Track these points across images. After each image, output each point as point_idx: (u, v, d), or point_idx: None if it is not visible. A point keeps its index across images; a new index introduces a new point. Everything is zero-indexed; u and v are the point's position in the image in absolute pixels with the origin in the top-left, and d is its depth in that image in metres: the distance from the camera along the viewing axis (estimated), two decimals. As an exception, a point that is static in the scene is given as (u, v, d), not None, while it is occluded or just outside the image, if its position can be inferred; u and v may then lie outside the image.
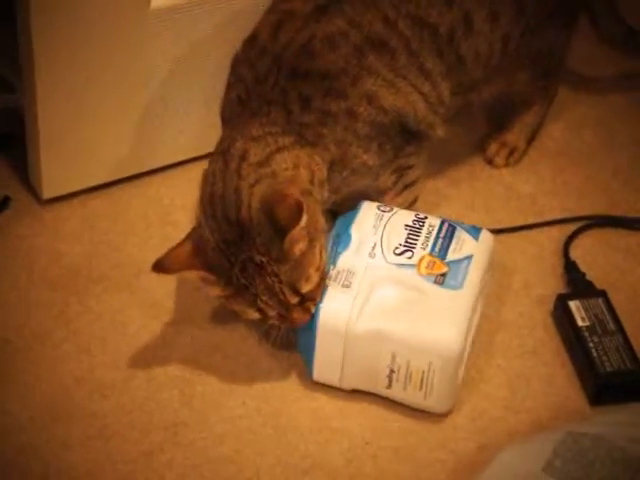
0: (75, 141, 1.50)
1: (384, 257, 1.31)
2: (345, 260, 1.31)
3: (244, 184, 1.23)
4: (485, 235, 1.35)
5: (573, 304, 1.39)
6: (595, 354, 1.34)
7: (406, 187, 1.43)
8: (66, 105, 1.46)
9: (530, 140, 1.63)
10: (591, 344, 1.35)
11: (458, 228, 1.35)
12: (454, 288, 1.29)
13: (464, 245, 1.33)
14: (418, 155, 1.41)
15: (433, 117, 1.38)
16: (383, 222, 1.34)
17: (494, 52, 1.41)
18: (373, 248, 1.31)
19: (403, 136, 1.37)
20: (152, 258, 1.45)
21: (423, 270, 1.30)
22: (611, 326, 1.37)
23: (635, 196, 1.57)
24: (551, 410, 1.31)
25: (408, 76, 1.34)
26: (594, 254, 1.50)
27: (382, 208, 1.37)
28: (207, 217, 1.25)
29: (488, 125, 1.66)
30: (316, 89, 1.29)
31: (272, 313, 1.26)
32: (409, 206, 1.44)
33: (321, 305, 1.27)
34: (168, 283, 1.45)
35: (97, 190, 1.56)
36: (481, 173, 1.61)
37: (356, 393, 1.33)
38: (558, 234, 1.52)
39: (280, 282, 1.23)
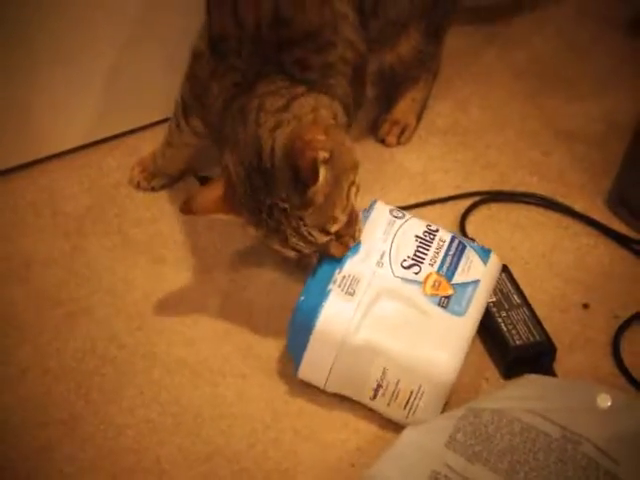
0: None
1: (391, 268, 1.28)
2: (352, 266, 1.28)
3: (263, 130, 1.22)
4: (494, 260, 1.33)
5: (478, 280, 1.41)
6: (505, 329, 1.36)
7: None
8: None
9: (419, 117, 1.65)
10: (499, 319, 1.37)
11: (468, 247, 1.32)
12: (457, 314, 1.26)
13: (472, 268, 1.30)
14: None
15: None
16: (394, 229, 1.31)
17: None
18: (382, 257, 1.29)
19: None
20: (43, 249, 1.43)
21: (428, 290, 1.27)
22: (516, 299, 1.39)
23: (522, 171, 1.60)
24: (455, 386, 1.33)
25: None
26: (485, 229, 1.52)
27: (395, 213, 1.34)
28: (235, 164, 1.24)
29: (377, 106, 1.66)
30: (307, 49, 1.28)
31: (307, 251, 1.25)
32: None
33: (322, 308, 1.25)
34: (58, 273, 1.42)
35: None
36: (372, 153, 1.62)
37: (253, 377, 1.33)
38: (450, 211, 1.54)
39: (306, 225, 1.22)
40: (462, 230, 1.51)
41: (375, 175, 1.58)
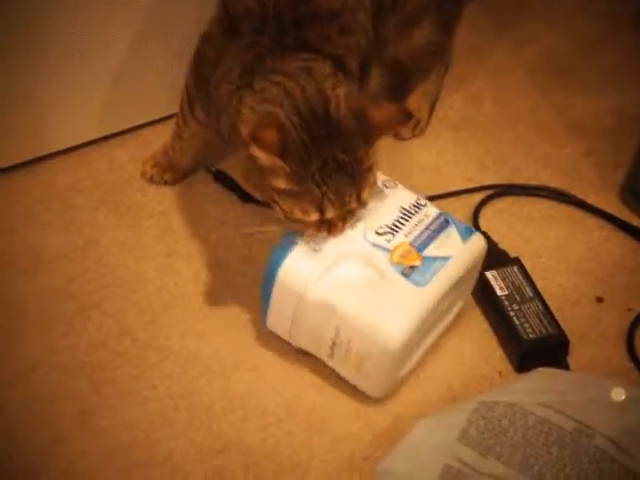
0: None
1: (364, 233, 1.28)
2: None
3: (326, 86, 1.23)
4: (475, 240, 1.30)
5: (490, 274, 1.40)
6: (517, 322, 1.35)
7: None
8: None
9: (431, 111, 1.65)
10: (512, 312, 1.36)
11: (452, 225, 1.30)
12: (417, 284, 1.24)
13: (448, 244, 1.28)
14: None
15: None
16: (379, 197, 1.31)
17: None
18: (358, 220, 1.28)
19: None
20: (53, 244, 1.43)
21: (396, 258, 1.26)
22: (528, 292, 1.39)
23: (535, 165, 1.60)
24: (467, 379, 1.32)
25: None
26: (498, 223, 1.51)
27: (386, 183, 1.33)
28: (287, 113, 1.22)
29: (389, 99, 1.65)
30: (330, 28, 1.29)
31: (330, 215, 1.24)
32: None
33: (285, 260, 1.25)
34: (70, 267, 1.42)
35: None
36: (385, 146, 1.58)
37: (268, 371, 1.32)
38: (463, 204, 1.53)
39: (352, 184, 1.22)
40: (475, 223, 1.50)
41: (388, 168, 1.56)
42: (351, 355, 1.26)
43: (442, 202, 1.53)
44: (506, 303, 1.37)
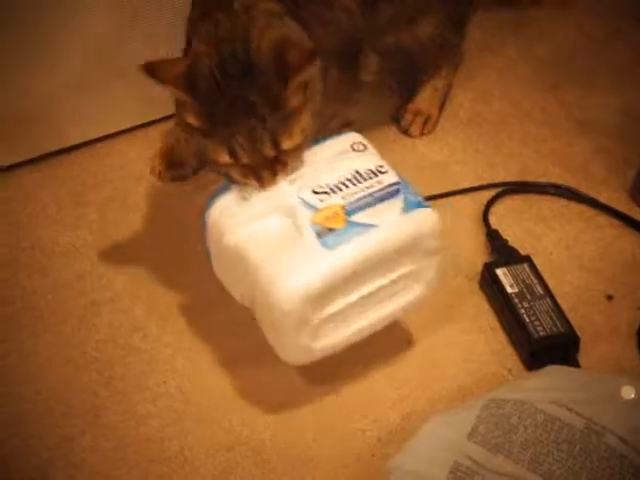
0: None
1: (299, 189, 1.22)
2: None
3: (254, 24, 1.21)
4: (419, 214, 1.22)
5: (500, 271, 1.40)
6: (527, 320, 1.35)
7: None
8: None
9: (441, 107, 1.65)
10: (522, 310, 1.36)
11: (400, 195, 1.22)
12: (325, 247, 1.18)
13: (384, 214, 1.20)
14: (357, 107, 1.39)
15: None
16: (339, 158, 1.26)
17: None
18: (300, 176, 1.24)
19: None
20: (65, 240, 1.43)
21: (318, 218, 1.19)
22: (539, 290, 1.38)
23: (545, 162, 1.59)
24: (477, 377, 1.32)
25: None
26: (508, 220, 1.51)
27: (355, 147, 1.28)
28: (209, 46, 1.21)
29: (399, 96, 1.66)
30: None
31: (243, 159, 1.21)
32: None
33: (213, 203, 1.24)
34: (81, 263, 1.42)
35: (4, 172, 1.52)
36: (394, 144, 1.61)
37: (278, 369, 1.32)
38: (472, 202, 1.53)
39: (264, 128, 1.19)
40: (485, 221, 1.50)
41: (397, 166, 1.55)
42: (256, 307, 1.22)
43: (452, 200, 1.53)
44: (516, 300, 1.37)
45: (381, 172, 1.24)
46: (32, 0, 1.41)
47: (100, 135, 1.58)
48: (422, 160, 1.59)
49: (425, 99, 1.63)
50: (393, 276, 1.24)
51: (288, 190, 1.23)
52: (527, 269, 1.41)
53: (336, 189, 1.22)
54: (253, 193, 1.23)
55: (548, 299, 1.37)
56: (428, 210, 1.23)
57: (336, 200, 1.21)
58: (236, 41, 1.20)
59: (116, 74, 1.53)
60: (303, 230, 1.19)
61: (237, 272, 1.22)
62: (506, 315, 1.38)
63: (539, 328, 1.35)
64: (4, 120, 1.48)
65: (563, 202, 1.54)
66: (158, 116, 1.60)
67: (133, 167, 1.56)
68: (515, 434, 1.17)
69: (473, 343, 1.37)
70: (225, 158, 1.21)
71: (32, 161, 1.54)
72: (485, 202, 1.53)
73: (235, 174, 1.23)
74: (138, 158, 1.56)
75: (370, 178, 1.23)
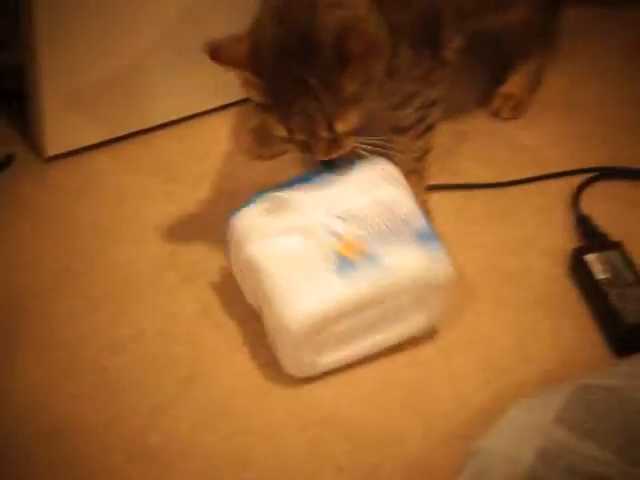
0: (78, 97, 1.49)
1: (325, 212, 1.27)
2: (299, 190, 1.29)
3: (322, 2, 1.21)
4: (435, 257, 1.26)
5: (590, 257, 1.39)
6: (617, 306, 1.34)
7: (427, 129, 1.41)
8: (67, 61, 1.45)
9: (533, 91, 1.63)
10: (612, 297, 1.35)
11: (422, 238, 1.26)
12: (340, 276, 1.23)
13: (403, 253, 1.25)
14: (440, 86, 1.39)
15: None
16: (370, 186, 1.29)
17: None
18: (329, 198, 1.28)
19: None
20: (156, 214, 1.45)
21: (339, 246, 1.25)
22: (630, 277, 1.37)
23: (638, 148, 1.57)
24: (563, 362, 1.32)
25: None
26: (599, 206, 1.49)
27: (387, 177, 1.30)
28: (275, 22, 1.22)
29: (491, 79, 1.65)
30: None
31: (299, 136, 1.24)
32: (424, 155, 1.43)
33: (239, 212, 1.28)
34: (173, 238, 1.44)
35: (100, 146, 1.54)
36: (485, 127, 1.60)
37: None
38: (563, 186, 1.52)
39: (320, 110, 1.21)
40: (576, 205, 1.49)
41: (487, 150, 1.57)
42: (266, 320, 1.27)
43: (542, 184, 1.52)
44: (606, 287, 1.36)
45: (408, 209, 1.28)
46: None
47: (193, 112, 1.59)
48: (512, 143, 1.58)
49: (517, 83, 1.62)
50: (400, 307, 1.28)
51: (314, 212, 1.27)
52: (618, 255, 1.39)
53: (361, 219, 1.26)
54: (281, 208, 1.27)
55: (639, 286, 1.36)
56: (443, 258, 1.27)
57: (359, 231, 1.26)
58: (301, 16, 1.20)
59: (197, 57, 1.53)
60: (322, 255, 1.24)
61: (251, 280, 1.27)
62: (595, 301, 1.37)
63: (630, 315, 1.33)
64: (89, 99, 1.51)
65: (657, 188, 1.52)
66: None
67: (226, 144, 1.57)
68: (604, 420, 1.16)
69: (560, 329, 1.37)
70: (282, 132, 1.25)
71: (125, 137, 1.56)
72: (576, 187, 1.51)
73: (293, 147, 1.27)
74: (230, 135, 1.58)
75: (395, 213, 1.27)
